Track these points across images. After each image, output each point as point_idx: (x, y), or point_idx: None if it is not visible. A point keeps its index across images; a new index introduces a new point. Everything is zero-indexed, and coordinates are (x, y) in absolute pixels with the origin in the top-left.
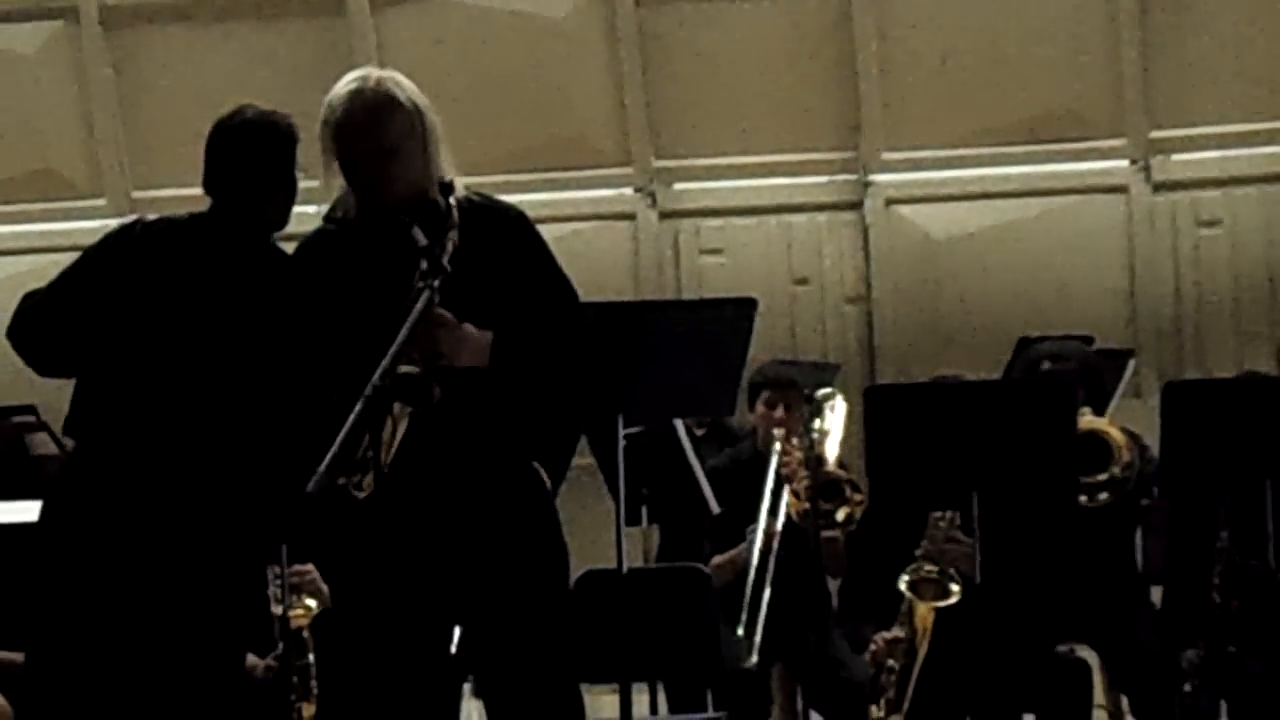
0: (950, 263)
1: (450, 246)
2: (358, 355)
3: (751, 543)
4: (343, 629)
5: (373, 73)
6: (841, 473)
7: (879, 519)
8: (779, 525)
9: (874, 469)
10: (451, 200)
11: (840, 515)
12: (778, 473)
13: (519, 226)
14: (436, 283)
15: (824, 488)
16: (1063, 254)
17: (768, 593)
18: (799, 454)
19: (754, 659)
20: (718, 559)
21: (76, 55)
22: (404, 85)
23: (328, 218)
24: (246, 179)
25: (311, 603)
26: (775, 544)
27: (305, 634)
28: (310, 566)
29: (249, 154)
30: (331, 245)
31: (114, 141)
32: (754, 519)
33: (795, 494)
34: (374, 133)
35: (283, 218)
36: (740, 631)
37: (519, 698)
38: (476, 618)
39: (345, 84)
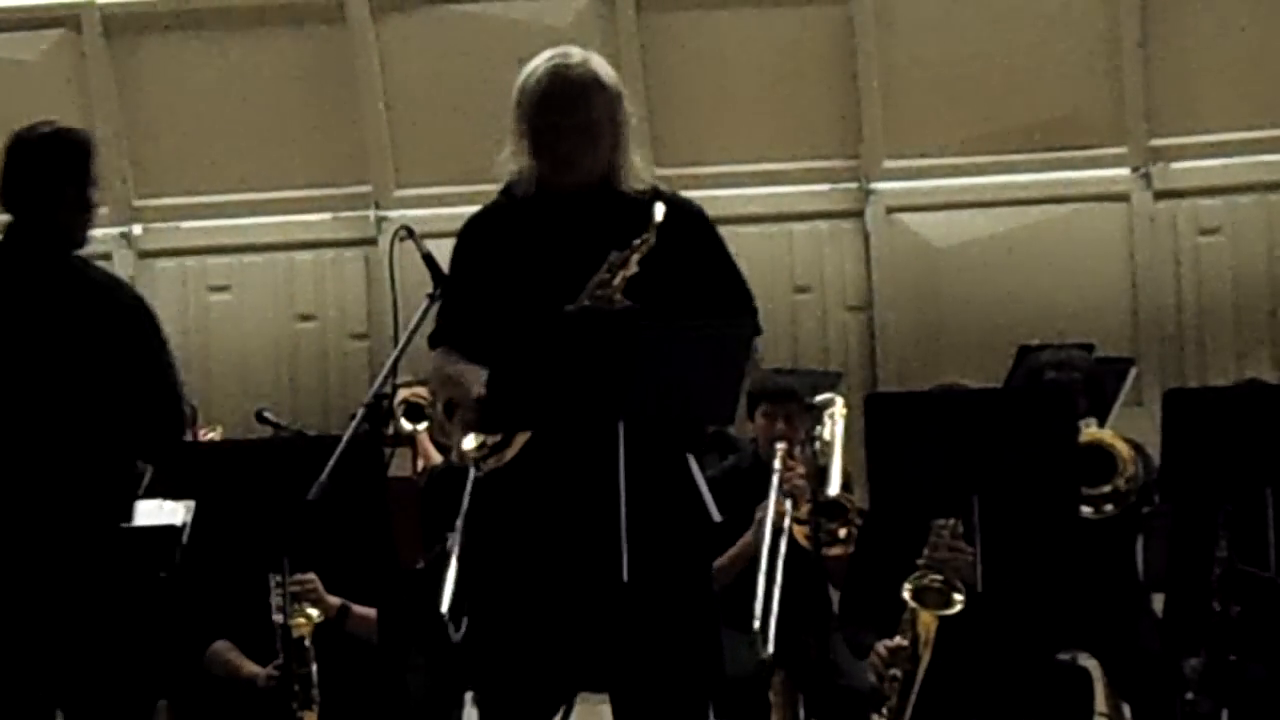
0: (951, 271)
1: (644, 249)
2: (513, 330)
3: (761, 522)
4: (471, 603)
5: (575, 50)
6: (843, 496)
7: (880, 527)
8: (788, 505)
9: (875, 477)
10: (660, 206)
11: (841, 534)
12: (779, 487)
13: (699, 224)
14: (437, 292)
15: (827, 506)
16: (1064, 262)
17: (779, 580)
18: (802, 468)
19: (769, 651)
20: (719, 561)
21: (78, 63)
22: (607, 68)
23: (504, 191)
24: (40, 194)
25: (313, 612)
26: (786, 523)
27: (307, 643)
28: (312, 575)
29: (43, 169)
30: (502, 219)
31: (115, 150)
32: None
33: (797, 520)
34: (575, 108)
35: (80, 234)
36: (756, 625)
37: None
38: (610, 604)
39: (548, 58)
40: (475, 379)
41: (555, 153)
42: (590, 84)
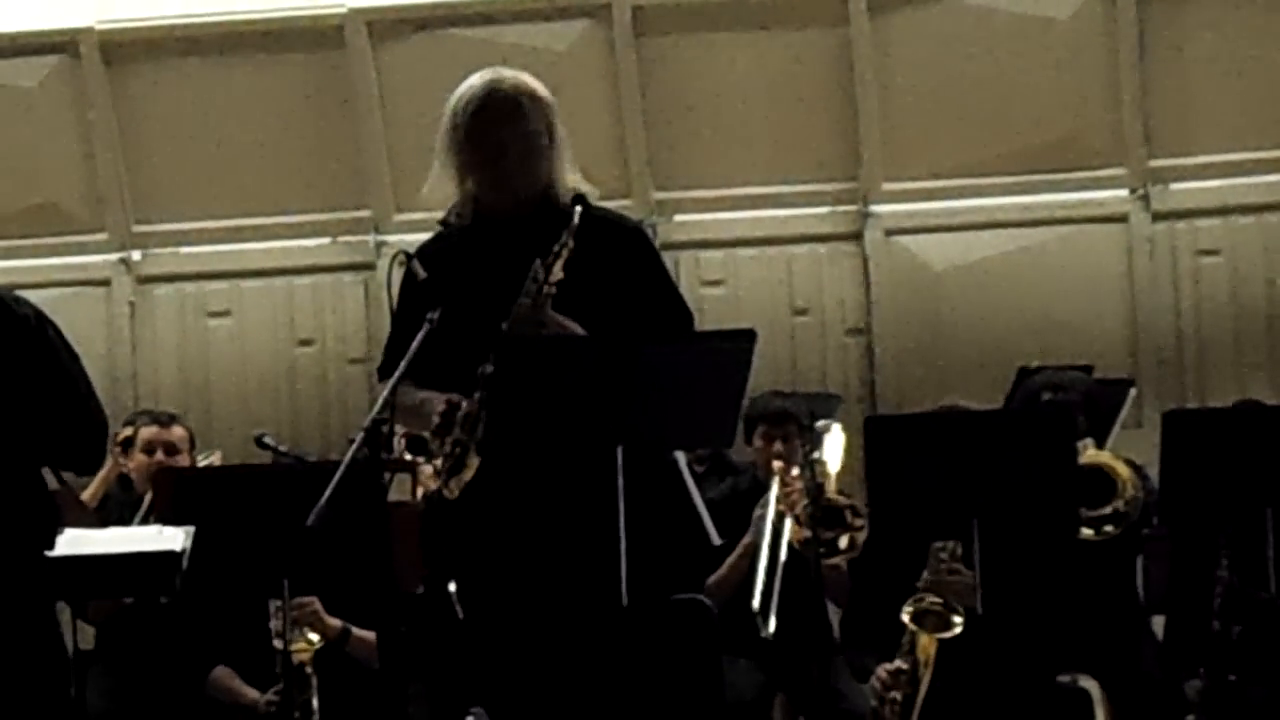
0: (950, 293)
1: (565, 253)
2: (464, 355)
3: (760, 519)
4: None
5: (505, 69)
6: (842, 498)
7: (880, 548)
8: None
9: (875, 499)
10: (578, 209)
11: (843, 543)
12: (778, 504)
13: (636, 241)
14: (436, 314)
15: (825, 515)
16: (1062, 283)
17: (782, 561)
18: (799, 484)
19: (770, 628)
20: (713, 578)
21: (78, 89)
22: (538, 83)
23: (442, 222)
24: None
25: (314, 636)
26: (785, 524)
27: (308, 669)
28: (313, 599)
29: None
30: (444, 249)
31: (115, 175)
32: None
33: (797, 520)
34: (514, 122)
35: None
36: (755, 604)
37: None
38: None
39: (479, 78)
40: (434, 407)
41: (497, 168)
42: (525, 96)
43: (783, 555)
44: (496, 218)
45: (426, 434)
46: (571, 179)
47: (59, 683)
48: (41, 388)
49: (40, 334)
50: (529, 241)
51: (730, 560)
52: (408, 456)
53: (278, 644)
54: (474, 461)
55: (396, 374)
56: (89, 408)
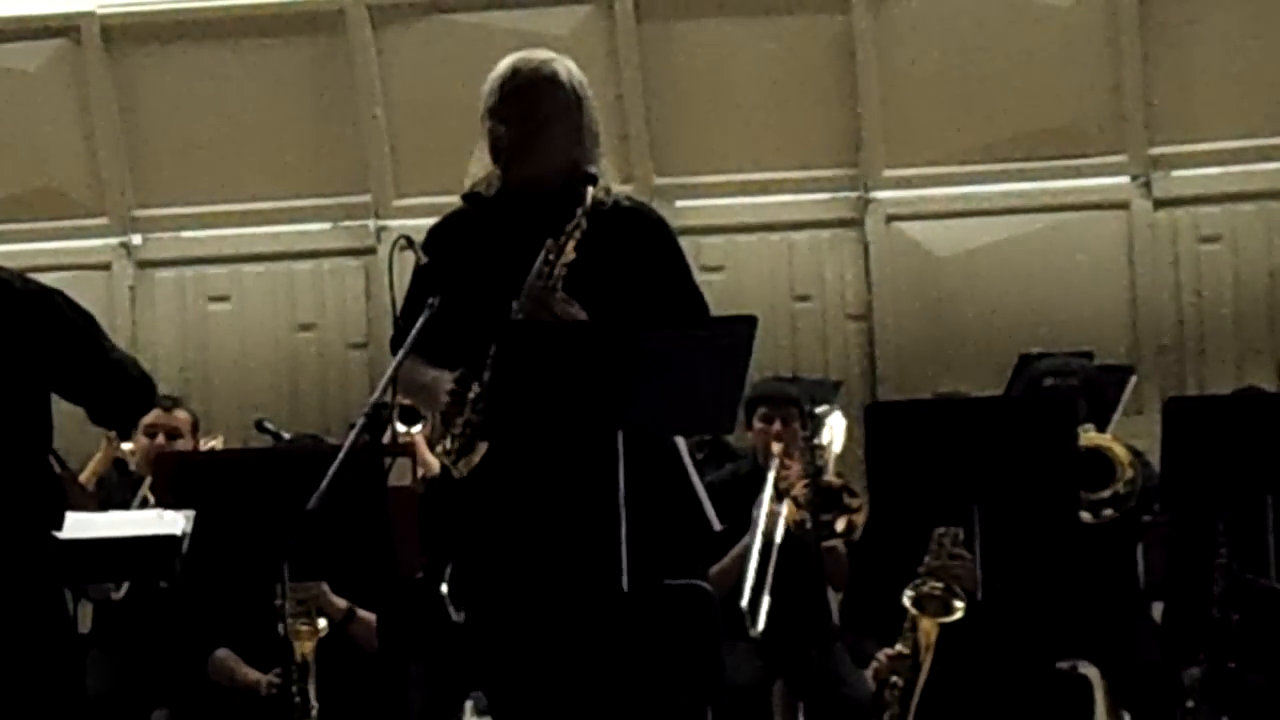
0: (951, 279)
1: (578, 233)
2: (477, 332)
3: (756, 520)
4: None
5: (542, 51)
6: (837, 480)
7: (880, 533)
8: (782, 509)
9: (875, 485)
10: (589, 190)
11: (840, 525)
12: (775, 485)
13: (658, 232)
14: (436, 300)
15: (822, 497)
16: (1064, 270)
17: (773, 565)
18: (798, 467)
19: (759, 627)
20: (715, 568)
21: (79, 73)
22: (572, 71)
23: (465, 196)
24: None
25: (322, 622)
26: (779, 524)
27: (309, 656)
28: (324, 585)
29: None
30: (464, 224)
31: (116, 159)
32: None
33: (794, 500)
34: (526, 102)
35: None
36: (744, 603)
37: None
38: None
39: (510, 58)
40: (443, 386)
41: (508, 147)
42: (542, 80)
43: (774, 554)
44: (517, 196)
45: (437, 414)
46: (594, 168)
47: (69, 665)
48: (63, 356)
49: (48, 304)
50: (545, 222)
51: (733, 553)
52: (401, 428)
53: (287, 627)
54: (484, 443)
55: (399, 355)
56: (113, 361)
